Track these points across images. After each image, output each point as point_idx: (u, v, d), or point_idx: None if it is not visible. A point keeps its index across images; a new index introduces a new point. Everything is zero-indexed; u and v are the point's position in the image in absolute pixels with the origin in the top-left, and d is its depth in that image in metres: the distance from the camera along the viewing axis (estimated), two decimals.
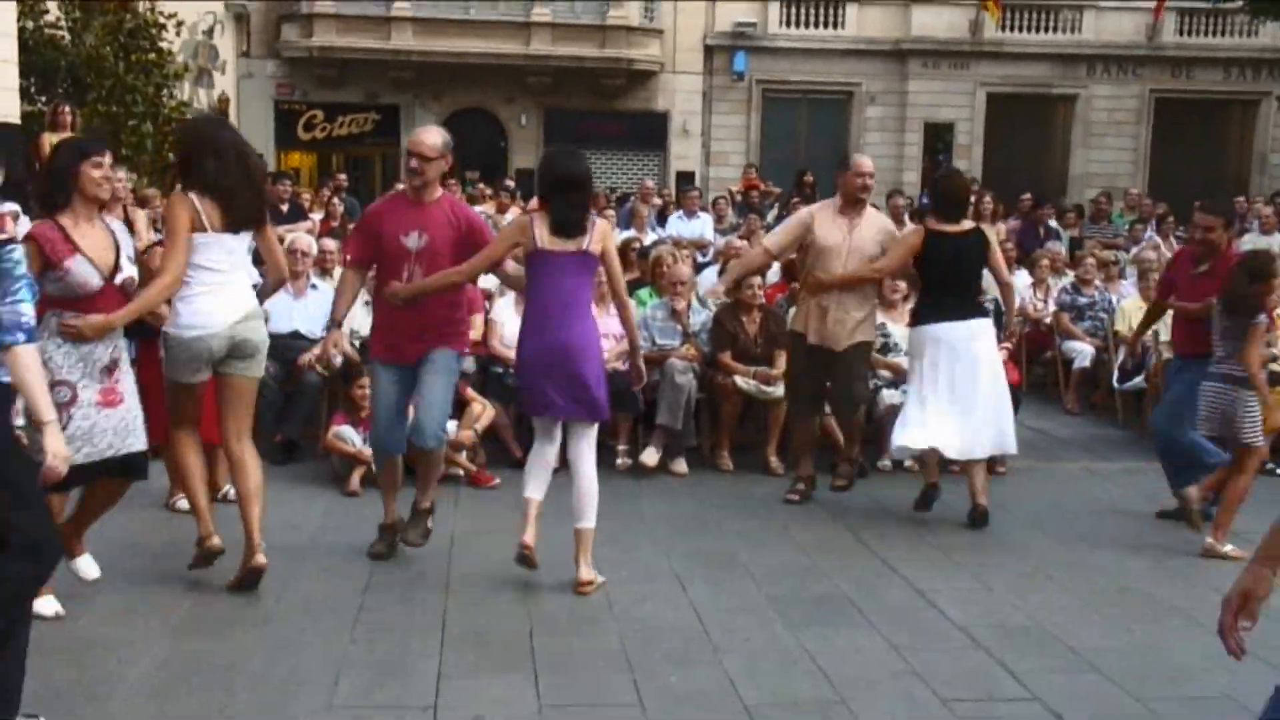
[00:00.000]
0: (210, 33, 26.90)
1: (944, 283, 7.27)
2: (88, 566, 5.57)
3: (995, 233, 14.69)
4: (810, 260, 7.63)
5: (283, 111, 28.17)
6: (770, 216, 15.90)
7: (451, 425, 7.77)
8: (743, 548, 6.63)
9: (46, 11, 20.19)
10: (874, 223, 7.67)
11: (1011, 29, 29.06)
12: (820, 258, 7.53)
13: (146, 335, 6.23)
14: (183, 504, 6.93)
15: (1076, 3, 29.19)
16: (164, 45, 18.42)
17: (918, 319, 7.41)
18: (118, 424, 5.22)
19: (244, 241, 5.63)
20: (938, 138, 29.81)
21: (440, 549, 6.40)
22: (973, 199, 16.42)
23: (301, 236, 8.96)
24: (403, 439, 6.25)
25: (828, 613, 5.62)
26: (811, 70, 28.97)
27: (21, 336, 3.89)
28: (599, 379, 5.87)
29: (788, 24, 28.78)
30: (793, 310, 7.82)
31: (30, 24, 19.56)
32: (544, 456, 6.03)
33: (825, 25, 28.83)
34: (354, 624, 5.30)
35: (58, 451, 3.97)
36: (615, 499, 7.50)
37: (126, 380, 5.34)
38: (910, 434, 7.22)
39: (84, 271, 5.12)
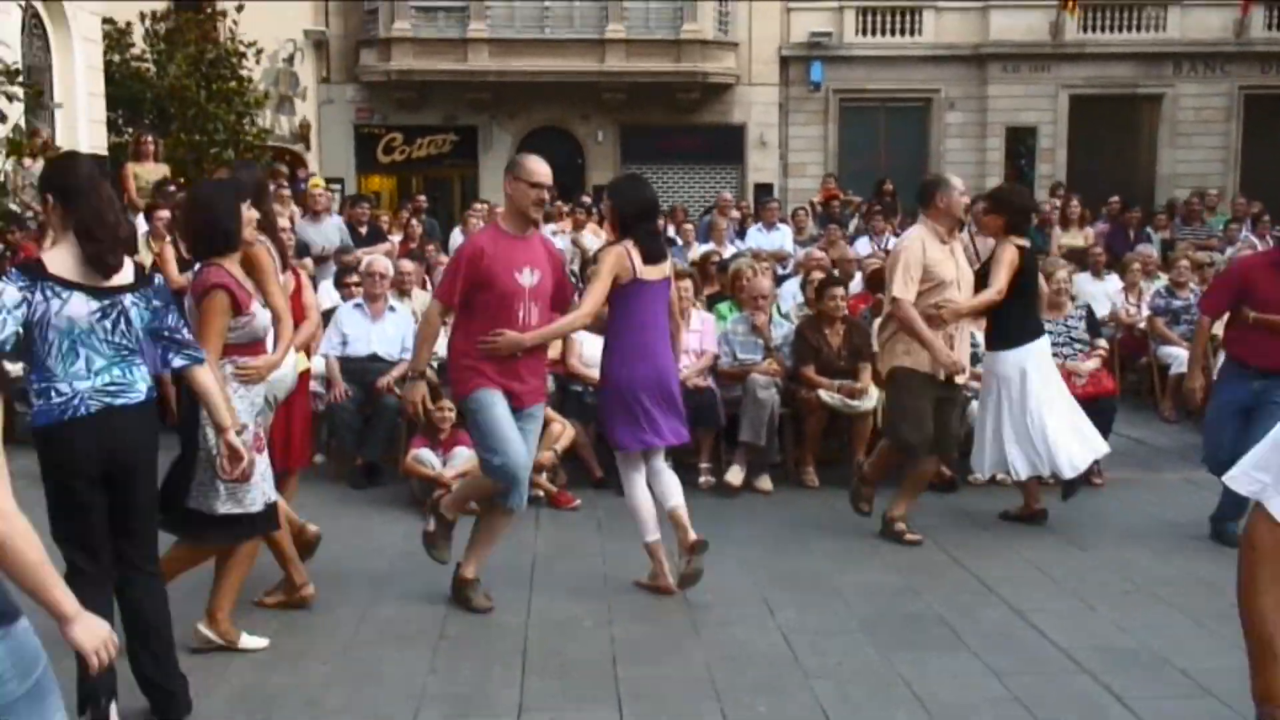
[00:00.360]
0: (290, 60, 27.28)
1: (1032, 299, 7.21)
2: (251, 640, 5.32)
3: (1085, 237, 14.57)
4: (925, 294, 6.93)
5: (363, 135, 28.38)
6: (851, 227, 15.66)
7: (460, 459, 7.69)
8: (832, 567, 6.44)
9: (132, 45, 20.60)
10: (959, 243, 7.37)
11: (1093, 29, 28.46)
12: (937, 291, 6.89)
13: None
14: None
15: (1160, 0, 28.53)
16: (244, 73, 18.62)
17: (1011, 339, 7.10)
18: (264, 469, 5.09)
19: None
20: (1019, 142, 29.27)
21: (521, 573, 6.30)
22: (1056, 204, 16.13)
23: (379, 259, 8.94)
24: None
25: (922, 635, 5.42)
26: (889, 78, 28.58)
27: (200, 355, 4.43)
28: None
29: (863, 32, 28.43)
30: (895, 344, 7.00)
31: (117, 58, 19.98)
32: (644, 491, 6.06)
33: (902, 33, 28.45)
34: (434, 653, 5.20)
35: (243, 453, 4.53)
36: (699, 519, 7.25)
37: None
38: (1026, 461, 7.07)
39: (263, 317, 5.08)
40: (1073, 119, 28.96)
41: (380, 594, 5.92)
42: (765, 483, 8.23)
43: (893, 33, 28.42)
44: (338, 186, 26.49)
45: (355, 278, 8.95)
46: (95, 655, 2.83)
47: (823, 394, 8.32)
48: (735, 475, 8.11)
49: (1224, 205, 17.09)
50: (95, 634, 2.83)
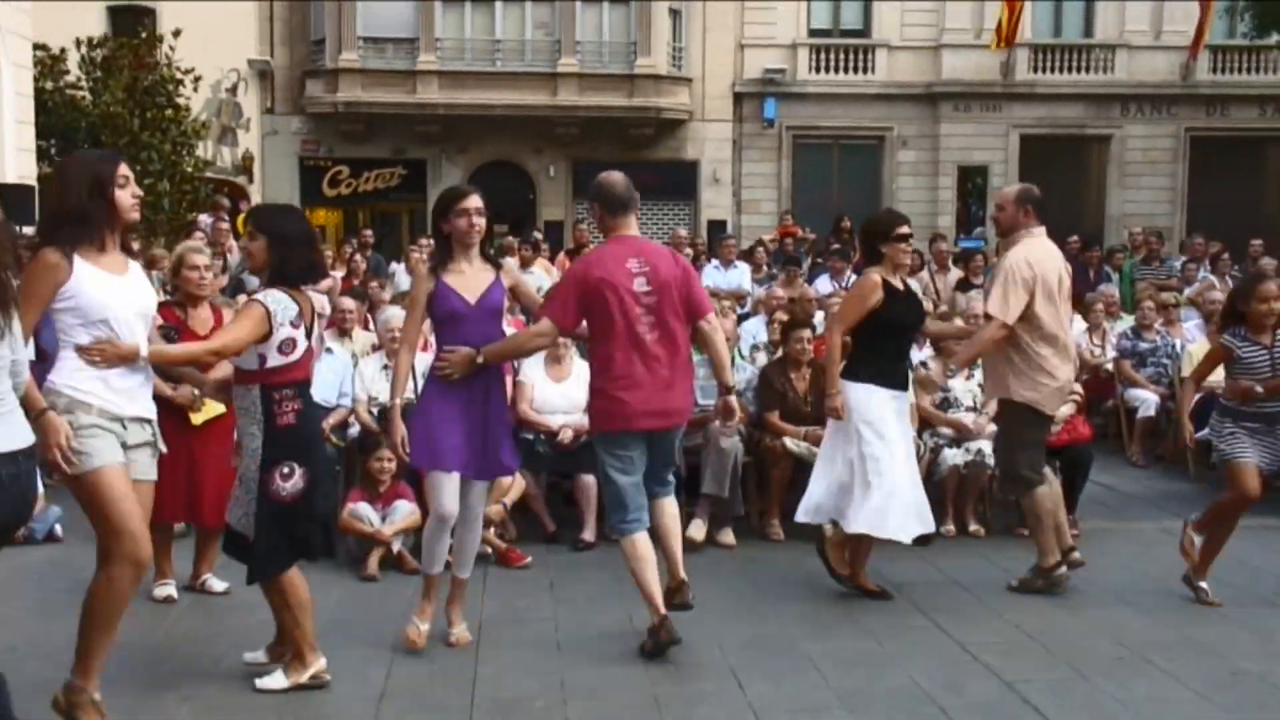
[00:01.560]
0: (234, 90, 26.72)
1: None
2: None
3: None
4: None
5: (308, 168, 27.80)
6: (805, 265, 15.31)
7: (400, 514, 7.27)
8: (803, 633, 5.98)
9: (66, 72, 19.96)
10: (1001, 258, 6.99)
11: (1043, 70, 28.51)
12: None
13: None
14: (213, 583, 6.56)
15: (1108, 42, 28.64)
16: (181, 101, 18.03)
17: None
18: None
19: None
20: (971, 180, 29.21)
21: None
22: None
23: (314, 296, 8.37)
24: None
25: (906, 712, 4.97)
26: (842, 115, 28.46)
27: None
28: None
29: (817, 70, 28.29)
30: (1018, 377, 6.58)
31: (50, 84, 19.34)
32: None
33: (855, 70, 28.33)
34: None
35: None
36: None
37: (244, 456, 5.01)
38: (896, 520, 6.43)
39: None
40: (1023, 158, 28.98)
41: None
42: (728, 537, 7.77)
43: (846, 70, 28.31)
44: None
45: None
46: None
47: (788, 442, 7.89)
48: (697, 530, 7.65)
49: (1168, 245, 16.85)
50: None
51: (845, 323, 6.44)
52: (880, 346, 6.48)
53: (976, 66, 28.26)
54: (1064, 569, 6.67)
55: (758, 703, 5.03)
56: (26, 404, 4.24)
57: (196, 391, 5.92)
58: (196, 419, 6.28)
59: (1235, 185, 28.85)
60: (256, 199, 26.68)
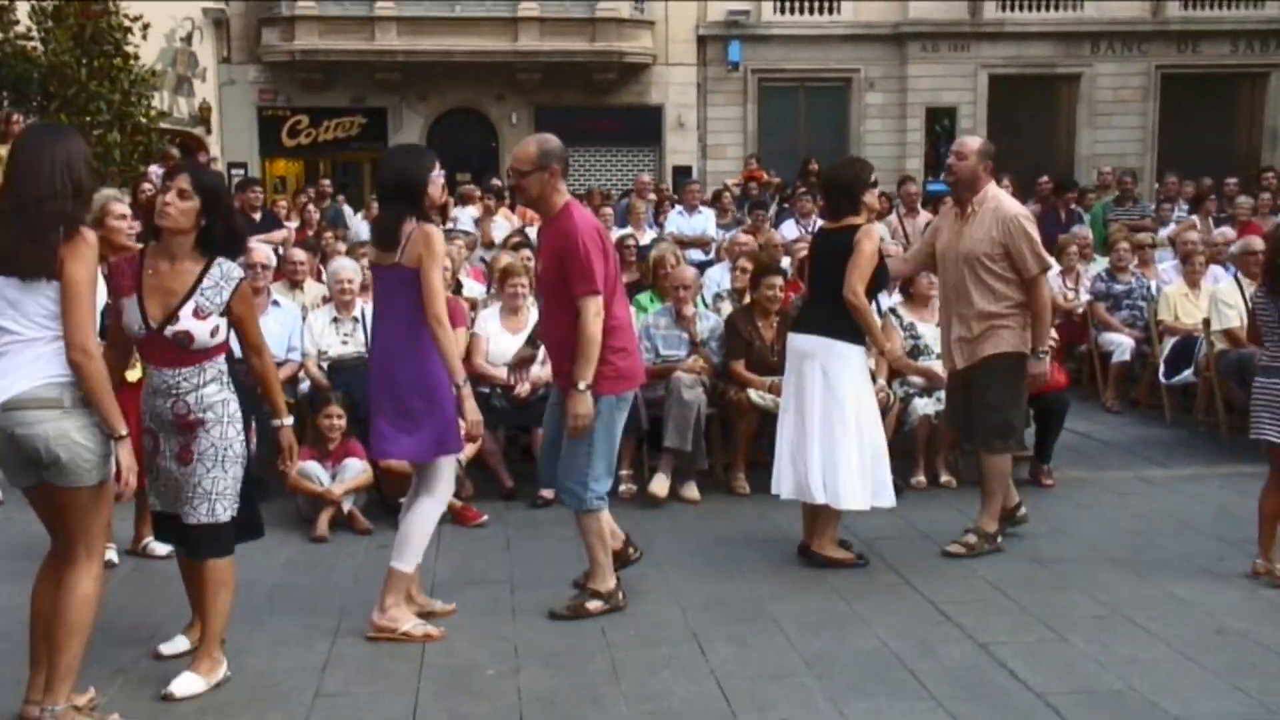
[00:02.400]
0: (189, 39, 26.08)
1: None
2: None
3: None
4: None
5: (266, 118, 27.25)
6: (771, 210, 15.01)
7: (351, 470, 7.00)
8: (769, 592, 5.73)
9: (17, 22, 19.32)
10: (985, 219, 6.28)
11: (1012, 8, 28.14)
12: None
13: None
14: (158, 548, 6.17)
15: None
16: (130, 49, 17.46)
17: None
18: (177, 484, 4.56)
19: (28, 289, 3.95)
20: (939, 122, 28.89)
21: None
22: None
23: (259, 247, 8.03)
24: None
25: (877, 677, 4.71)
26: (808, 58, 28.05)
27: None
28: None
29: (782, 11, 27.84)
30: (1005, 329, 6.27)
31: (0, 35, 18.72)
32: None
33: (820, 11, 27.89)
34: (308, 716, 4.41)
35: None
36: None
37: (204, 441, 4.50)
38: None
39: (131, 314, 4.45)
40: (992, 99, 28.71)
41: (251, 639, 5.08)
42: (692, 491, 7.51)
43: (811, 11, 27.88)
44: (240, 171, 25.42)
45: None
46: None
47: (753, 394, 7.61)
48: (660, 484, 7.38)
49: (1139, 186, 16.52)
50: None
51: (865, 280, 5.98)
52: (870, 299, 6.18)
53: (944, 6, 27.89)
54: (1001, 537, 6.43)
55: (721, 669, 4.78)
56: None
57: None
58: (132, 376, 5.92)
59: (1207, 124, 28.67)
60: (215, 150, 26.13)
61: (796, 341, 6.20)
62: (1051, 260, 6.33)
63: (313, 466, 6.85)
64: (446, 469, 5.24)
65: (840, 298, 5.97)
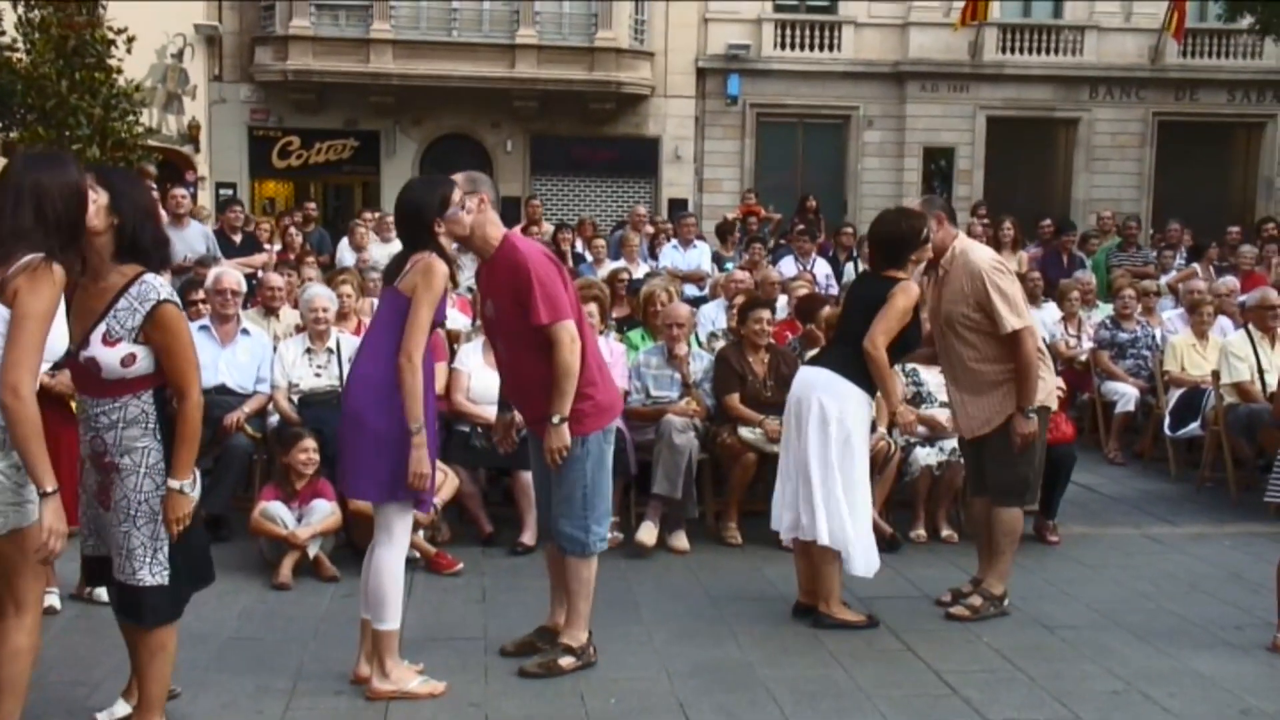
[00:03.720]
0: (180, 55, 25.77)
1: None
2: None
3: (1019, 262, 13.70)
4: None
5: (257, 138, 26.88)
6: (769, 245, 14.71)
7: (320, 512, 6.58)
8: (760, 657, 5.35)
9: (2, 33, 19.01)
10: (957, 277, 5.88)
11: (1012, 50, 27.99)
12: None
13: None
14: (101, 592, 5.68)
15: (1078, 24, 28.15)
16: (113, 62, 17.10)
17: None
18: (102, 527, 4.10)
19: None
20: (935, 162, 28.71)
21: None
22: (981, 227, 15.26)
23: (228, 272, 7.66)
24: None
25: None
26: (807, 93, 27.83)
27: None
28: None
29: (782, 46, 27.62)
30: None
31: None
32: None
33: (821, 48, 27.68)
34: None
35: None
36: (602, 586, 6.20)
37: (118, 490, 3.98)
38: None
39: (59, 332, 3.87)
40: (990, 140, 28.53)
41: (195, 701, 4.67)
42: (681, 541, 7.13)
43: (811, 47, 27.67)
44: (228, 191, 25.06)
45: (201, 294, 7.68)
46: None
47: (745, 431, 7.25)
48: (647, 533, 7.00)
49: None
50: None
51: (890, 335, 5.61)
52: (890, 360, 5.75)
53: (944, 45, 27.70)
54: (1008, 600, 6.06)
55: None
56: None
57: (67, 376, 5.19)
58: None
59: (1203, 171, 28.58)
60: (204, 169, 25.81)
61: (803, 373, 5.90)
62: (1025, 315, 5.81)
63: (277, 507, 6.46)
64: (401, 514, 4.78)
65: (861, 345, 5.63)
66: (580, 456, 4.98)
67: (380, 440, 4.61)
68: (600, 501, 5.08)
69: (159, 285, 3.95)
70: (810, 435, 5.68)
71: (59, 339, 3.82)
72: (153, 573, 4.00)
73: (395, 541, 4.77)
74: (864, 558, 5.71)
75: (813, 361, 6.04)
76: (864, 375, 5.66)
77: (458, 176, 4.93)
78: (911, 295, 5.68)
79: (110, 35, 17.21)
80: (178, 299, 4.08)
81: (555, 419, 4.83)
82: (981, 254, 5.96)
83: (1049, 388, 5.99)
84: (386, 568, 4.72)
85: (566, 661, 5.05)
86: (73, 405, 5.41)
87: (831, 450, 5.64)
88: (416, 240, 4.71)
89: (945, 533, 7.49)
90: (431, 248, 4.66)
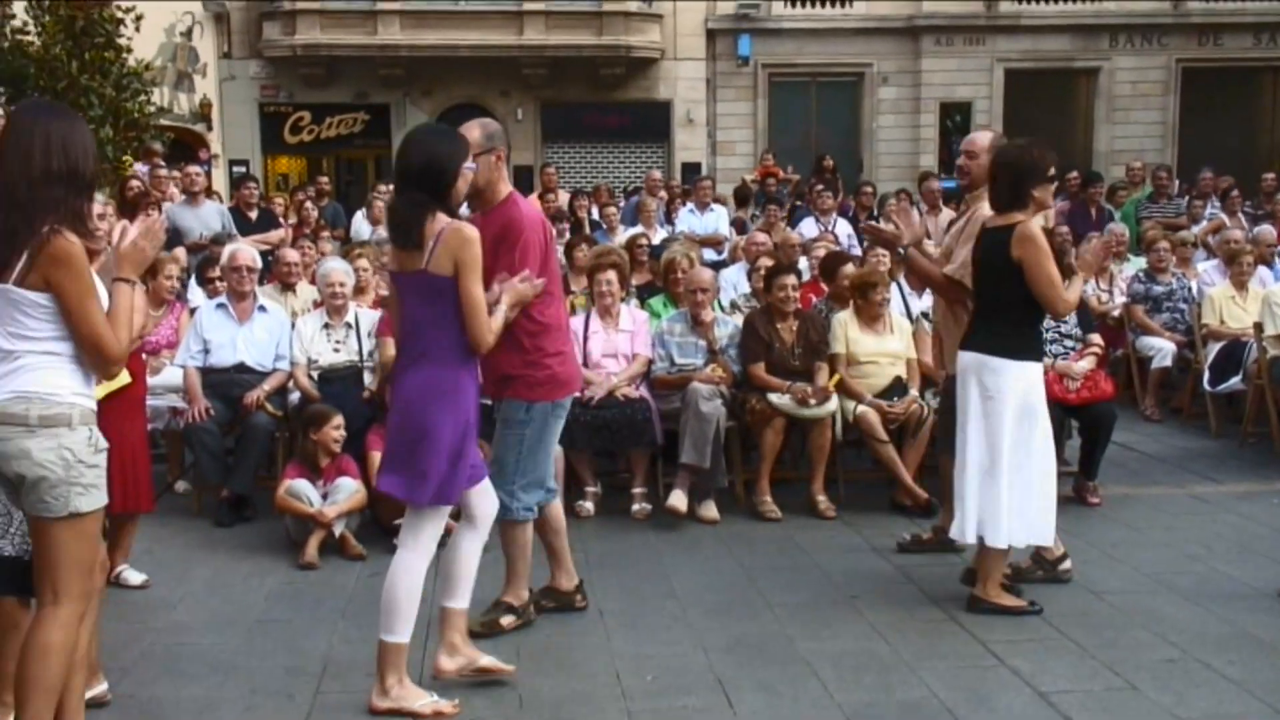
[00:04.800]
0: (188, 34, 25.60)
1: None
2: None
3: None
4: None
5: (268, 114, 26.72)
6: (787, 207, 14.47)
7: (343, 489, 6.39)
8: (800, 630, 5.18)
9: (13, 16, 18.84)
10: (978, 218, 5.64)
11: (1028, 0, 27.54)
12: None
13: None
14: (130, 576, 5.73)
15: None
16: (122, 42, 16.92)
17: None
18: None
19: (6, 297, 3.50)
20: (952, 118, 28.33)
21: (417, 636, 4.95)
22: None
23: (243, 249, 7.49)
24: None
25: None
26: (820, 52, 27.47)
27: None
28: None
29: (793, 4, 27.27)
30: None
31: None
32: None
33: (832, 4, 27.32)
34: None
35: None
36: (634, 560, 6.11)
37: None
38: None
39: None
40: (1008, 94, 28.14)
41: (222, 689, 4.53)
42: (711, 511, 6.95)
43: (823, 4, 27.29)
44: (241, 169, 24.90)
45: (217, 271, 7.52)
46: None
47: (773, 397, 7.08)
48: (678, 499, 6.82)
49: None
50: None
51: (1057, 285, 5.22)
52: (1032, 314, 5.38)
53: None
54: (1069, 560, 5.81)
55: None
56: None
57: None
58: (100, 392, 5.40)
59: (1228, 118, 28.12)
60: (216, 147, 25.67)
61: (960, 358, 5.53)
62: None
63: (302, 485, 6.32)
64: (435, 519, 4.38)
65: (1001, 311, 5.32)
66: (522, 421, 4.84)
67: (433, 442, 4.24)
68: (532, 470, 4.89)
69: None
70: (971, 426, 5.36)
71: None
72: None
73: (422, 546, 4.37)
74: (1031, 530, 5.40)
75: (963, 345, 5.57)
76: (1015, 343, 5.32)
77: (472, 125, 4.79)
78: (1034, 239, 5.22)
79: (119, 14, 17.00)
80: None
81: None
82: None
83: None
84: (407, 573, 4.32)
85: (507, 620, 5.05)
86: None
87: (1005, 439, 5.27)
88: (429, 201, 4.24)
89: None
90: (445, 210, 4.28)
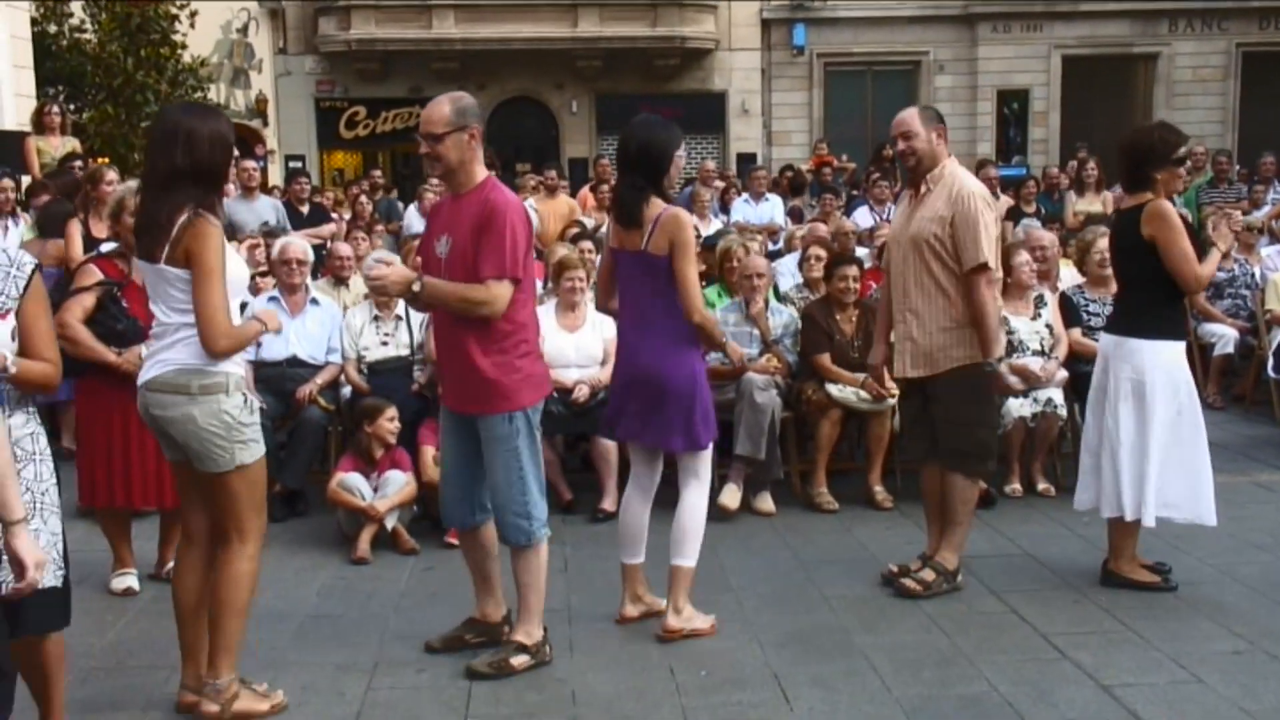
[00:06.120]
0: (244, 30, 25.83)
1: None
2: None
3: (1104, 202, 13.25)
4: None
5: (324, 110, 26.92)
6: (843, 197, 14.36)
7: (394, 482, 6.38)
8: (857, 623, 5.11)
9: (70, 15, 19.09)
10: (939, 196, 5.38)
11: None
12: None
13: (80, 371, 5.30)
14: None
15: None
16: (177, 38, 17.08)
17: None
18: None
19: (161, 275, 3.98)
20: (1009, 105, 28.01)
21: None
22: (1074, 165, 14.82)
23: (294, 242, 7.49)
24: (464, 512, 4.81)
25: None
26: (875, 40, 27.29)
27: None
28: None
29: None
30: (967, 332, 5.40)
31: (54, 28, 18.48)
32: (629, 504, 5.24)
33: None
34: None
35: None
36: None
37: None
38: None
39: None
40: (1065, 80, 27.85)
41: (276, 681, 4.51)
42: (766, 503, 6.89)
43: None
44: (298, 163, 25.10)
45: (265, 265, 7.54)
46: (33, 569, 3.13)
47: (833, 389, 6.99)
48: (731, 496, 6.77)
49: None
50: (35, 550, 3.17)
51: (1192, 258, 5.18)
52: (1170, 294, 5.35)
53: None
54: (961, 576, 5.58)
55: (809, 717, 4.18)
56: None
57: (143, 354, 5.08)
58: None
59: None
60: (273, 143, 25.88)
61: (1101, 342, 5.61)
62: (994, 259, 5.29)
63: (355, 479, 6.33)
64: (705, 458, 5.03)
65: (1139, 292, 5.36)
66: (509, 434, 4.52)
67: (680, 395, 4.81)
68: (534, 484, 4.61)
69: (22, 251, 3.64)
70: (1121, 409, 5.36)
71: (241, 275, 4.24)
72: (55, 574, 3.61)
73: (704, 482, 5.03)
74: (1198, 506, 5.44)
75: (1106, 328, 5.66)
76: (1161, 323, 5.34)
77: (442, 100, 4.56)
78: (1167, 218, 5.20)
79: (174, 10, 17.17)
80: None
81: (417, 286, 4.43)
82: (974, 181, 5.45)
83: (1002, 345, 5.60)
84: (697, 507, 4.99)
85: (519, 660, 4.60)
86: None
87: (1156, 420, 5.27)
88: (648, 184, 4.76)
89: (1041, 486, 7.19)
90: (661, 194, 4.78)
